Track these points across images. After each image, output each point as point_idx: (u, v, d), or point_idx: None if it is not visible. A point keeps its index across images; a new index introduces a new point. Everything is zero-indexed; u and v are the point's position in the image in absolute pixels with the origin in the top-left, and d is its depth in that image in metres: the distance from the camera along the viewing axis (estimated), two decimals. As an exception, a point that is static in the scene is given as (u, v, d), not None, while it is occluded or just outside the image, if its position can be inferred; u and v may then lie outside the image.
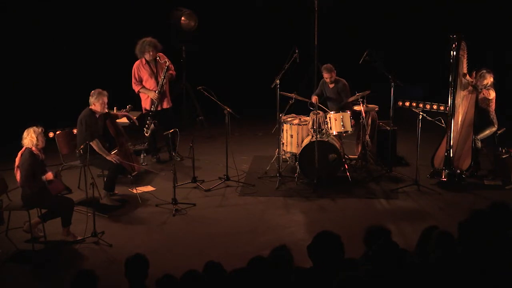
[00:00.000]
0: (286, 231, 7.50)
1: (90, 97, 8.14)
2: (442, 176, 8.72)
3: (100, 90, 8.16)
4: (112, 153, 8.31)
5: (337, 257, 4.48)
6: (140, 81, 9.51)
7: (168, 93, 9.62)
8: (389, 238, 4.79)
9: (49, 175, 7.12)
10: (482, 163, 9.08)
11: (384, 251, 4.43)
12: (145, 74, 9.46)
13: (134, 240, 7.31)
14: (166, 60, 9.37)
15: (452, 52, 8.48)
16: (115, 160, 8.11)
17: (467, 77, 8.65)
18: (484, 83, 8.71)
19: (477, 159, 8.94)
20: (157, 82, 9.39)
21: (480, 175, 8.98)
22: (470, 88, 8.74)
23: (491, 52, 12.18)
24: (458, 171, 8.66)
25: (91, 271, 4.74)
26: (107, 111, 8.36)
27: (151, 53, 9.31)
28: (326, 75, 9.41)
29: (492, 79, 8.74)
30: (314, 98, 9.35)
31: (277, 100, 8.87)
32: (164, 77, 9.36)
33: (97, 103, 8.09)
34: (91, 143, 7.99)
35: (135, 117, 9.20)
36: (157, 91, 9.38)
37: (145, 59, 9.41)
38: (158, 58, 9.38)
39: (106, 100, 8.14)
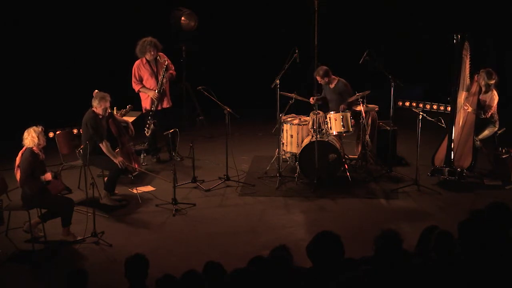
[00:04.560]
0: (286, 231, 7.50)
1: (93, 100, 8.13)
2: (442, 174, 8.69)
3: (102, 95, 8.13)
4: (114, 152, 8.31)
5: (337, 257, 4.48)
6: (141, 80, 9.52)
7: (168, 93, 9.62)
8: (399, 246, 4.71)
9: (48, 176, 7.11)
10: (482, 163, 9.07)
11: (386, 252, 4.43)
12: (145, 73, 9.47)
13: (134, 240, 7.30)
14: (166, 59, 9.38)
15: (454, 52, 8.49)
16: (121, 165, 8.11)
17: (469, 109, 8.67)
18: (482, 83, 8.72)
19: (475, 158, 8.93)
20: (157, 82, 9.40)
21: (480, 175, 8.96)
22: (472, 90, 8.74)
23: (493, 52, 12.19)
24: (459, 170, 8.65)
25: (80, 270, 4.82)
26: (109, 111, 8.37)
27: (152, 53, 9.32)
28: (317, 78, 9.38)
29: (491, 82, 8.71)
30: (311, 99, 9.35)
31: (277, 100, 8.87)
32: (164, 76, 9.36)
33: (99, 107, 8.10)
34: (100, 144, 8.00)
35: (134, 117, 9.23)
36: (157, 91, 9.39)
37: (146, 59, 9.42)
38: (158, 57, 9.39)
39: (108, 104, 8.15)
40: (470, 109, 8.70)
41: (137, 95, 9.67)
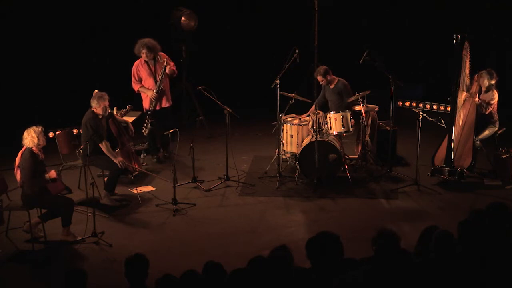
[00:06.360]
0: (286, 231, 7.50)
1: (91, 100, 8.14)
2: (442, 173, 8.69)
3: (100, 94, 8.14)
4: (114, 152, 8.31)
5: (336, 257, 4.48)
6: (140, 80, 9.54)
7: (168, 92, 9.63)
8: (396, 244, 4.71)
9: (53, 173, 7.16)
10: (482, 163, 9.07)
11: (385, 251, 4.43)
12: (144, 73, 9.49)
13: (134, 240, 7.30)
14: (164, 59, 9.37)
15: (455, 52, 8.49)
16: (121, 165, 8.10)
17: (476, 99, 8.68)
18: (483, 83, 8.73)
19: (475, 158, 8.93)
20: (156, 82, 9.41)
21: (480, 175, 8.96)
22: (472, 90, 8.74)
23: (493, 52, 12.20)
24: (459, 170, 8.65)
25: (79, 269, 4.83)
26: (109, 111, 8.38)
27: (145, 54, 9.31)
28: (318, 79, 9.38)
29: (492, 82, 8.74)
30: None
31: (277, 100, 8.87)
32: (162, 76, 9.36)
33: (98, 107, 8.10)
34: (100, 144, 8.00)
35: (134, 117, 9.25)
36: (155, 90, 9.40)
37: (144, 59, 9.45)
38: (158, 57, 9.40)
39: (107, 103, 8.16)
40: (477, 99, 8.68)
41: (137, 95, 9.68)
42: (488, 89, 8.79)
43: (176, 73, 9.75)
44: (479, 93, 8.83)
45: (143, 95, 9.60)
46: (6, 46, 10.91)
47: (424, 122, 8.52)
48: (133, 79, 9.53)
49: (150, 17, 11.58)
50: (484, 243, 4.70)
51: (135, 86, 9.55)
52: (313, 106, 9.23)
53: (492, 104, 8.75)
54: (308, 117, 9.23)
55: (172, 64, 9.55)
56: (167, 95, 9.63)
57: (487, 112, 8.76)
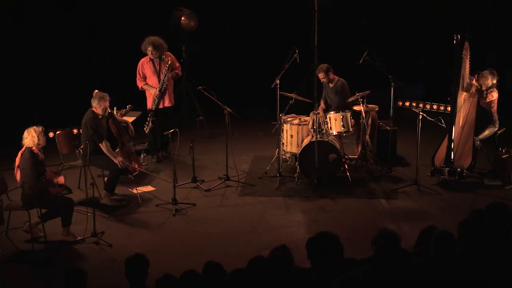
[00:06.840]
0: (286, 231, 7.50)
1: (92, 100, 8.14)
2: (442, 173, 8.69)
3: (101, 94, 8.14)
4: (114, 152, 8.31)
5: (336, 257, 4.48)
6: (144, 77, 9.57)
7: (171, 92, 9.66)
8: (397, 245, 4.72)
9: (61, 179, 7.23)
10: (482, 163, 9.07)
11: (385, 252, 4.43)
12: (148, 71, 9.53)
13: (134, 240, 7.31)
14: (170, 58, 9.41)
15: (455, 52, 8.49)
16: (121, 165, 8.10)
17: (474, 82, 8.68)
18: (486, 83, 8.73)
19: (475, 158, 8.93)
20: (160, 80, 9.44)
21: (480, 175, 8.96)
22: (472, 91, 8.74)
23: (493, 52, 12.20)
24: (459, 170, 8.65)
25: (78, 269, 4.84)
26: (109, 111, 8.38)
27: (151, 52, 9.34)
28: (319, 76, 9.38)
29: (494, 81, 8.76)
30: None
31: (277, 100, 8.87)
32: (165, 75, 9.38)
33: (98, 107, 8.10)
34: (100, 144, 8.00)
35: (134, 117, 9.27)
36: (158, 89, 9.42)
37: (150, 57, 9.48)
38: (163, 56, 9.43)
39: (107, 104, 8.16)
40: (475, 83, 8.68)
41: (137, 95, 9.69)
42: (489, 88, 8.79)
43: (180, 75, 9.79)
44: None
45: (147, 94, 9.63)
46: (6, 46, 10.91)
47: (424, 122, 8.52)
48: (137, 76, 9.56)
49: (150, 17, 11.57)
50: (484, 243, 4.70)
51: (139, 83, 9.59)
52: (321, 103, 9.27)
53: (490, 93, 8.73)
54: (307, 117, 9.23)
55: (177, 65, 9.63)
56: (170, 95, 9.65)
57: (487, 100, 8.74)
